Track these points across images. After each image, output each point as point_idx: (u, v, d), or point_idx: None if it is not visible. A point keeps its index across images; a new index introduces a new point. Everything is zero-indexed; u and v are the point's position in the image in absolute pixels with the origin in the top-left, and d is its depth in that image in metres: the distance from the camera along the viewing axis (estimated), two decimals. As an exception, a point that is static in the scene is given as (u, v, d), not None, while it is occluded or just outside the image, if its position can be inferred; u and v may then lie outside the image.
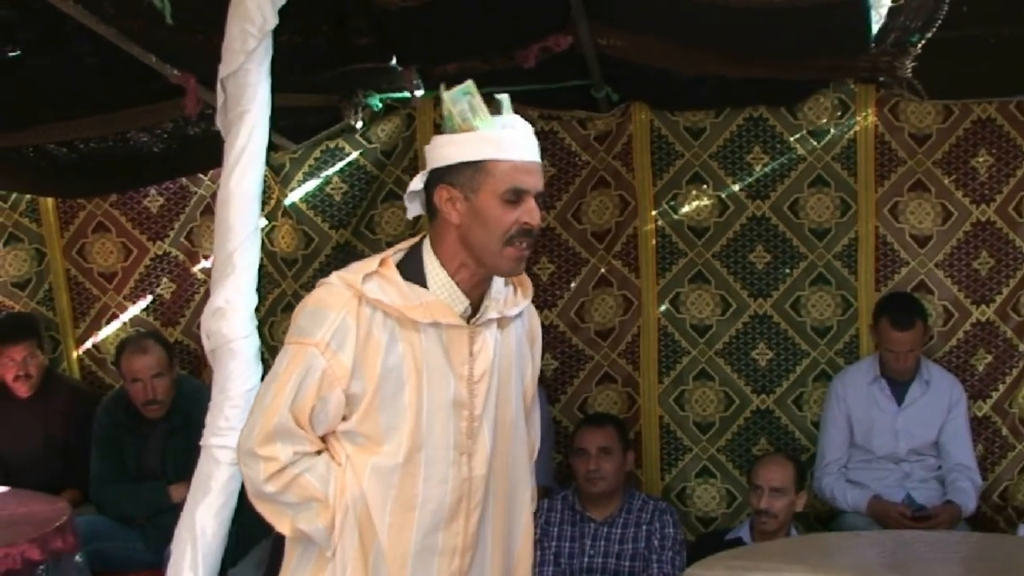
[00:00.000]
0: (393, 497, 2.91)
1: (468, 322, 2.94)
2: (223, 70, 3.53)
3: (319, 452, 2.93)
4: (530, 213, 2.85)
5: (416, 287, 2.90)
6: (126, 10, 4.27)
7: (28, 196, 6.52)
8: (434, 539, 2.94)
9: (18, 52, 4.81)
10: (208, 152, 5.97)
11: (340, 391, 2.87)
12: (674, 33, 4.99)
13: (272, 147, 4.61)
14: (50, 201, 6.52)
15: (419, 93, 5.85)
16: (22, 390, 6.11)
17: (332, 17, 4.33)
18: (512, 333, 3.05)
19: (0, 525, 4.74)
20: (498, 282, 3.01)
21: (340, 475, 2.91)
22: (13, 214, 6.56)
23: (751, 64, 5.29)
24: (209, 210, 6.40)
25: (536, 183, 2.88)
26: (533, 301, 3.16)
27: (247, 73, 3.51)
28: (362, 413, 2.88)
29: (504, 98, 2.90)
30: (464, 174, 2.85)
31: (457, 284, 2.92)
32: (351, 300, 2.86)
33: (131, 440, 5.79)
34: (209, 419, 3.86)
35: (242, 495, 3.40)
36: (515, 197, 2.84)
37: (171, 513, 5.54)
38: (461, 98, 2.84)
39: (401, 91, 5.89)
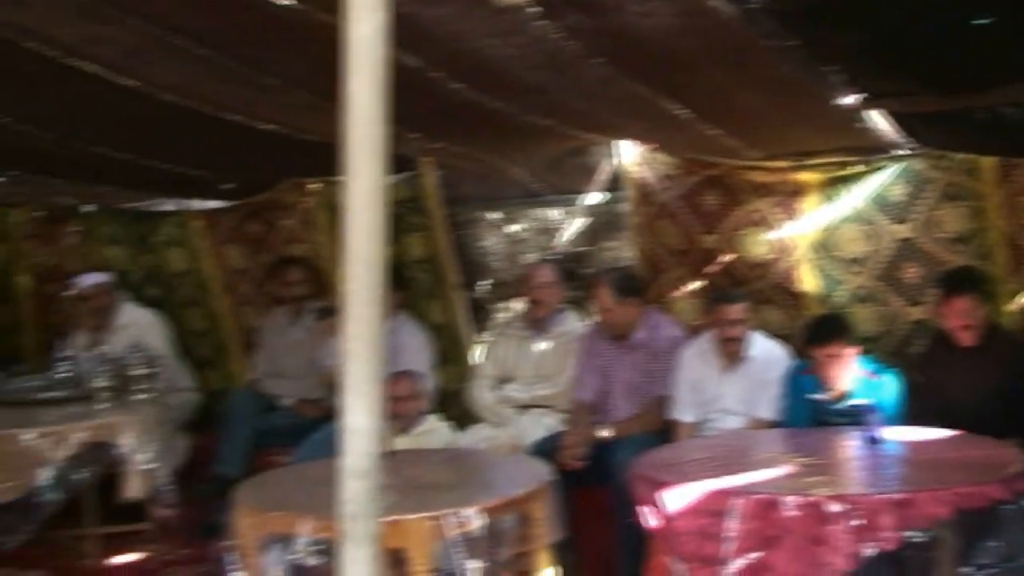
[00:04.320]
0: None
1: None
2: None
3: None
4: None
5: None
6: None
7: (968, 156, 6.77)
8: None
9: (989, 20, 5.04)
10: None
11: None
12: None
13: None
14: (988, 160, 6.74)
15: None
16: (966, 339, 6.44)
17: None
18: None
19: (965, 467, 5.09)
20: None
21: None
22: (955, 174, 6.87)
23: None
24: None
25: None
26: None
27: None
28: None
29: None
30: None
31: None
32: None
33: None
34: None
35: None
36: None
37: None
38: None
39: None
